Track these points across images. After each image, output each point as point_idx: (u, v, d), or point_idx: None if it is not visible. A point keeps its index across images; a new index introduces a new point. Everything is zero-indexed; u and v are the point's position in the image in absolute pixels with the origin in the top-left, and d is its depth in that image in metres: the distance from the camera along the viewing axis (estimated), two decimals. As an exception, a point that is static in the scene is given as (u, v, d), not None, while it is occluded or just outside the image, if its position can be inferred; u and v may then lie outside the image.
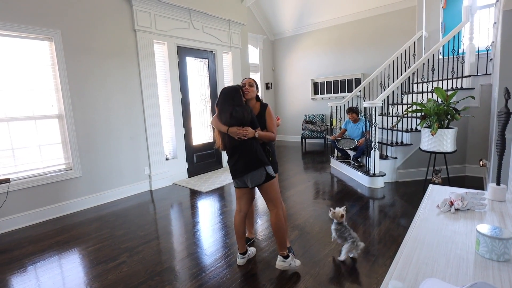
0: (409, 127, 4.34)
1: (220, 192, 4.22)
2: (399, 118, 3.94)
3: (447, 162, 3.75)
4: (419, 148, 3.77)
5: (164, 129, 4.72)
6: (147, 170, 4.43)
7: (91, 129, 3.79)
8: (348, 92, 7.32)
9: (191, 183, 4.68)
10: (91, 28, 3.72)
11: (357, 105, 5.44)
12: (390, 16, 6.58)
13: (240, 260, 2.31)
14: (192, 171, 5.14)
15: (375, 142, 3.97)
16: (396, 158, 4.29)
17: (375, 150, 4.00)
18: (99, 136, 3.87)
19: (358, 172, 4.35)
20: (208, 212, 3.53)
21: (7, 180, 2.94)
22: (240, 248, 2.31)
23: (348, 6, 6.98)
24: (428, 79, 4.59)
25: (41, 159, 3.44)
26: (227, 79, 5.75)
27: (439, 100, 3.68)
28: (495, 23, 3.72)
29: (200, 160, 5.30)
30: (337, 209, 2.33)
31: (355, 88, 6.81)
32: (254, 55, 8.21)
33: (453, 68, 4.34)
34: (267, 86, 8.72)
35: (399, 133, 4.37)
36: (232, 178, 2.25)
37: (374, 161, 4.04)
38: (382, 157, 4.35)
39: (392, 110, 4.72)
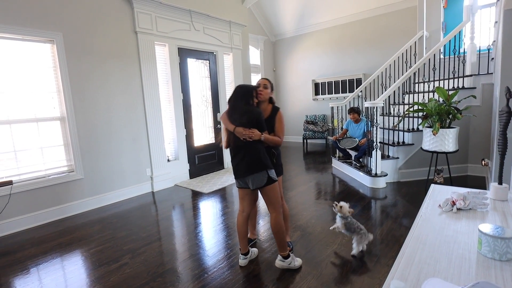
0: (410, 127, 4.33)
1: (222, 193, 4.22)
2: (400, 118, 3.93)
3: (449, 162, 3.74)
4: (421, 148, 3.76)
5: (166, 131, 4.73)
6: (148, 171, 4.44)
7: (92, 131, 3.80)
8: (349, 92, 7.31)
9: (192, 184, 4.68)
10: (92, 30, 3.74)
11: (358, 105, 5.43)
12: (391, 16, 6.57)
13: (242, 261, 2.31)
14: (194, 172, 5.15)
15: (376, 142, 3.97)
16: (397, 158, 4.28)
17: (376, 150, 3.99)
18: (100, 138, 3.88)
19: (360, 172, 4.34)
20: (210, 213, 3.54)
21: (9, 182, 2.96)
22: (242, 249, 2.31)
23: (349, 6, 6.98)
24: (429, 79, 4.58)
25: (43, 161, 3.46)
26: (228, 80, 5.76)
27: (441, 99, 3.68)
28: (496, 22, 3.71)
29: (201, 161, 5.31)
30: (342, 203, 2.34)
31: (356, 88, 6.81)
32: (255, 56, 8.22)
33: (454, 67, 4.33)
34: (268, 87, 8.71)
35: (401, 133, 4.36)
36: (235, 178, 2.26)
37: (376, 161, 4.03)
38: (383, 157, 4.34)
39: (394, 110, 4.71)
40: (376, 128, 3.96)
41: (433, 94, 4.18)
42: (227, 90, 5.71)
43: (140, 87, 4.28)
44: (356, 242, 2.34)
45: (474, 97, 3.66)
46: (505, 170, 1.51)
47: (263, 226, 3.05)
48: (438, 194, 1.51)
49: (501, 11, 2.77)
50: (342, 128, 5.32)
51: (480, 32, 4.48)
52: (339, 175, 4.82)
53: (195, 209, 3.69)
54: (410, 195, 3.71)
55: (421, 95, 4.67)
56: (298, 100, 8.56)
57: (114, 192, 4.06)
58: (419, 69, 4.56)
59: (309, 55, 8.13)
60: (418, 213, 1.33)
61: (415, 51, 5.26)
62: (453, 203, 1.32)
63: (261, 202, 3.64)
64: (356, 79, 7.23)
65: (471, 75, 4.20)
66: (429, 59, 4.33)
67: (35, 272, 2.39)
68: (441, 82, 4.52)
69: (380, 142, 4.07)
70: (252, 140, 2.08)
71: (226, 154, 5.73)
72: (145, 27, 4.24)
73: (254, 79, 7.69)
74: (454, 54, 4.27)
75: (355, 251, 2.34)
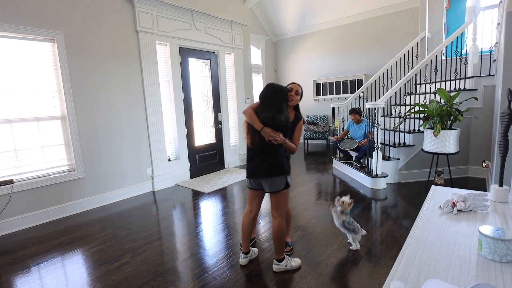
0: (411, 128, 4.33)
1: (222, 193, 4.23)
2: (401, 119, 3.93)
3: (450, 163, 3.74)
4: (422, 149, 3.76)
5: (167, 130, 4.73)
6: (149, 171, 4.45)
7: (93, 130, 3.81)
8: (350, 93, 7.30)
9: (193, 184, 4.69)
10: (93, 29, 3.75)
11: (359, 106, 5.43)
12: (393, 17, 6.56)
13: (242, 260, 2.31)
14: (195, 172, 5.15)
15: (377, 143, 3.96)
16: (398, 159, 4.28)
17: (377, 151, 3.99)
18: (101, 137, 3.89)
19: (361, 173, 4.34)
20: (210, 213, 3.54)
21: (10, 182, 2.97)
22: (244, 248, 2.32)
23: (351, 7, 6.97)
24: (431, 80, 4.58)
25: (44, 160, 3.46)
26: (229, 80, 5.76)
27: (442, 101, 3.67)
28: (498, 24, 3.71)
29: (202, 161, 5.31)
30: (344, 198, 2.35)
31: (357, 89, 6.80)
32: (256, 56, 8.22)
33: (456, 69, 4.33)
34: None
35: (402, 134, 4.36)
36: (248, 178, 2.22)
37: (377, 162, 4.03)
38: (384, 158, 4.34)
39: (395, 111, 4.71)
40: (377, 129, 3.96)
41: (435, 96, 4.18)
42: (228, 90, 5.72)
43: (141, 87, 4.29)
44: (352, 239, 2.43)
45: (476, 98, 3.65)
46: (506, 172, 1.51)
47: (263, 226, 3.05)
48: (438, 196, 1.51)
49: (504, 13, 2.77)
50: (343, 128, 5.32)
51: (483, 33, 4.47)
52: (339, 176, 4.82)
53: (196, 208, 3.69)
54: (411, 196, 3.71)
55: (422, 96, 4.66)
56: (299, 101, 8.54)
57: (115, 192, 4.06)
58: (420, 70, 4.55)
59: (310, 55, 8.12)
60: (418, 214, 1.33)
61: (417, 52, 5.26)
62: (454, 205, 1.32)
63: (262, 202, 3.64)
64: (357, 79, 7.22)
65: (472, 77, 4.19)
66: (431, 60, 4.33)
67: (36, 271, 2.40)
68: (443, 83, 4.51)
69: (381, 143, 4.07)
70: (276, 143, 2.07)
71: (227, 154, 5.74)
72: (146, 26, 4.25)
73: (255, 79, 7.69)
74: (456, 56, 4.26)
75: (354, 245, 2.43)
